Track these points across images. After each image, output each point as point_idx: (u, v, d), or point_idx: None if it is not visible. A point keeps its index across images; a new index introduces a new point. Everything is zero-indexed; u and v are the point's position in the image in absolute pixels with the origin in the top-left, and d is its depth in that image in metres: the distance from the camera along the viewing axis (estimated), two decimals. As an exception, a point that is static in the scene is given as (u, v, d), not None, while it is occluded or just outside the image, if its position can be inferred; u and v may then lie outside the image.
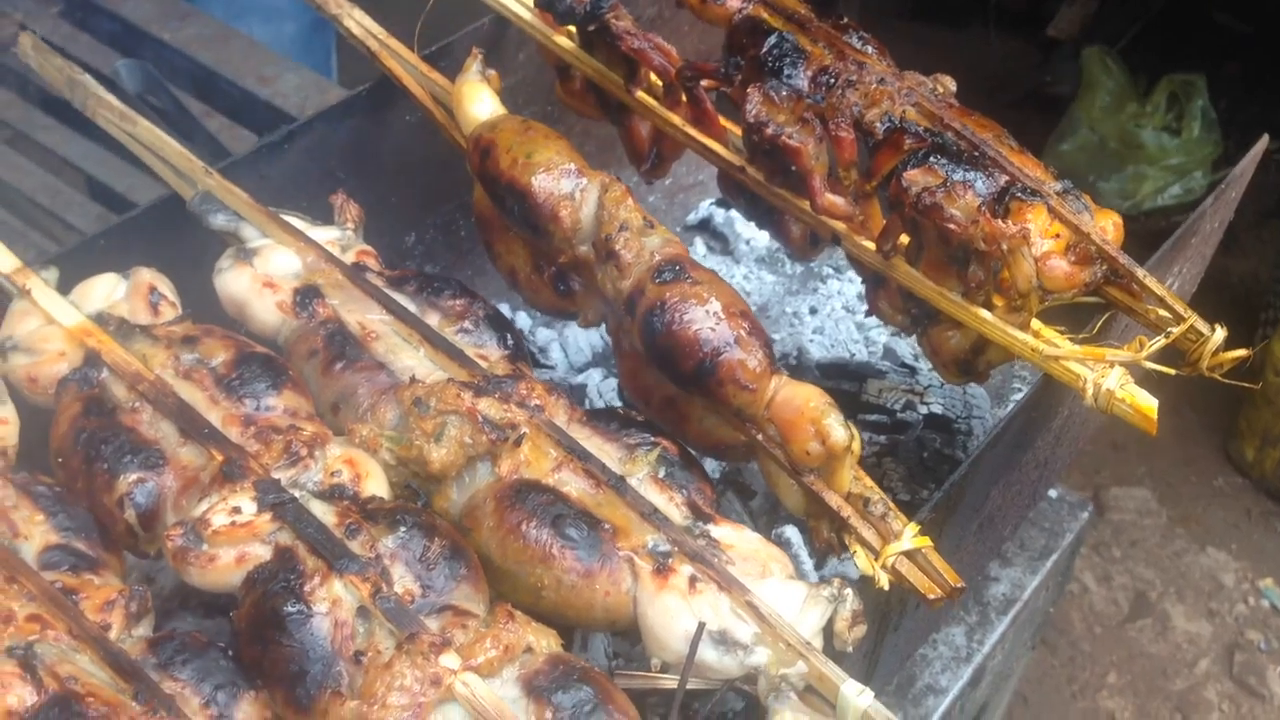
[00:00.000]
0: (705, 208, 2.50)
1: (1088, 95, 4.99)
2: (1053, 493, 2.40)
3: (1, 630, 1.20)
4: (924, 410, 2.06)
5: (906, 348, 2.21)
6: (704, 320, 1.47)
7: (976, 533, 1.78)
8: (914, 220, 1.62)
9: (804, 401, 1.46)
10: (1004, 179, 1.64)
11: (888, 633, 1.66)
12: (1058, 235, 1.64)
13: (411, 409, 1.40)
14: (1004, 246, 1.55)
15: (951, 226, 1.55)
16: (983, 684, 2.34)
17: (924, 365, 2.18)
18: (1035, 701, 3.94)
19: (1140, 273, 1.63)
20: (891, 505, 1.47)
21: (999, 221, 1.56)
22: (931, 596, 1.41)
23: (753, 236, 2.45)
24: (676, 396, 1.58)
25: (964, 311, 1.64)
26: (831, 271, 2.45)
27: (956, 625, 2.27)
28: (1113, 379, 1.54)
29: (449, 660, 1.23)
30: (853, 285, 2.41)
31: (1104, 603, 4.22)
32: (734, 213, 2.46)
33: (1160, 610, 4.16)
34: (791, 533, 1.78)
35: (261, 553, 1.30)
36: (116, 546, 1.37)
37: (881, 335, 2.28)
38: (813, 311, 2.35)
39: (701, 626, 1.28)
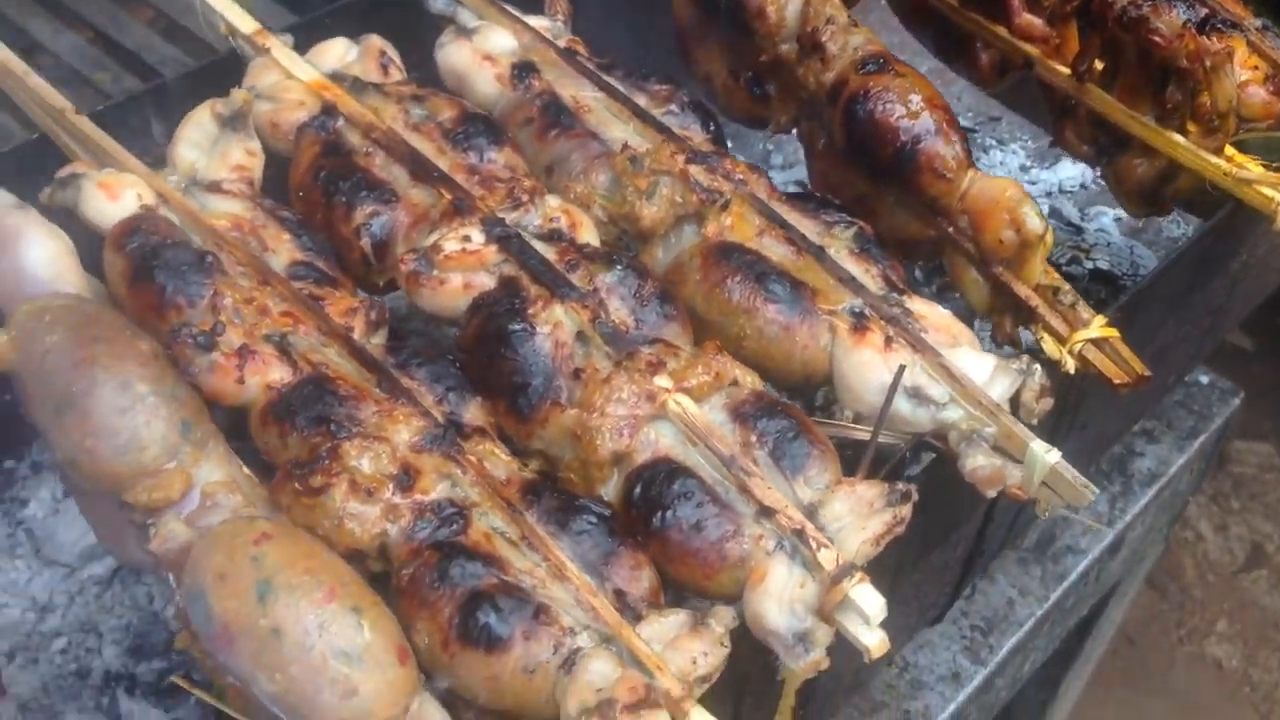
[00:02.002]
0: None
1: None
2: (1203, 378, 2.40)
3: (259, 320, 1.31)
4: (1089, 265, 2.08)
5: (1073, 209, 2.22)
6: (906, 109, 1.51)
7: (1147, 362, 1.80)
8: (1113, 39, 1.65)
9: (1000, 191, 1.50)
10: (1204, 11, 1.65)
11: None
12: (1256, 68, 1.65)
13: (626, 167, 1.48)
14: (1206, 64, 1.56)
15: (1156, 39, 1.57)
16: (1119, 556, 2.36)
17: (1090, 225, 2.20)
18: (1142, 643, 3.92)
19: (1339, 104, 1.64)
20: (1079, 297, 1.51)
21: (1203, 38, 1.57)
22: (1118, 382, 1.45)
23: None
24: (867, 194, 1.63)
25: (1157, 136, 1.66)
26: (994, 143, 2.47)
27: (1100, 492, 2.29)
28: (1306, 202, 1.55)
29: (663, 380, 1.30)
30: (1015, 157, 2.42)
31: (1219, 552, 4.17)
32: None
33: (1276, 563, 4.09)
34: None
35: (486, 281, 1.39)
36: (349, 277, 1.46)
37: (1044, 202, 2.30)
38: (975, 179, 2.37)
39: (902, 369, 1.34)
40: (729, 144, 1.68)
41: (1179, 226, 2.34)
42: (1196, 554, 4.18)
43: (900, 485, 1.26)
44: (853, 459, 1.34)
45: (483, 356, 1.35)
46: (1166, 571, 4.06)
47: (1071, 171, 2.38)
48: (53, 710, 1.67)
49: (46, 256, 1.32)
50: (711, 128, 1.62)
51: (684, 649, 1.16)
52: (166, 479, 1.18)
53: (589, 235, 1.46)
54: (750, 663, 1.30)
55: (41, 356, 1.21)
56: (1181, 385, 2.35)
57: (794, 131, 1.76)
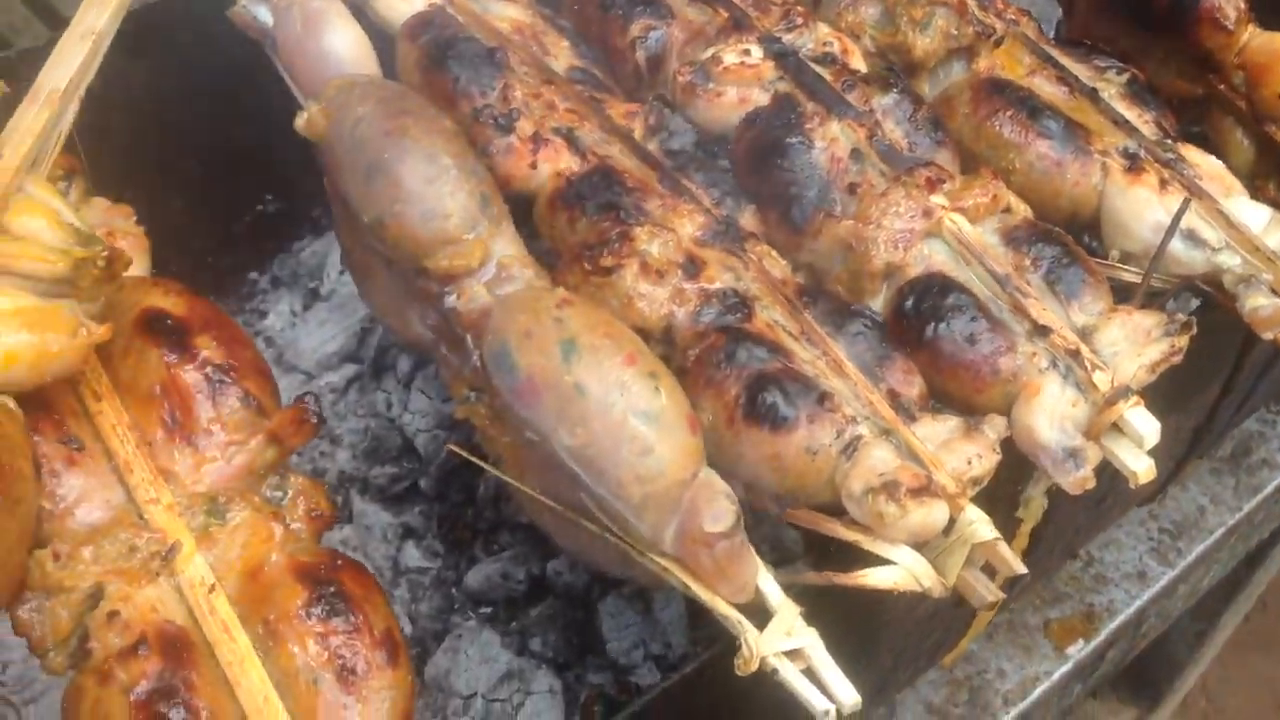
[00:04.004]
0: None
1: None
2: None
3: (547, 114, 1.35)
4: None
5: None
6: (1190, -45, 1.48)
7: None
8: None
9: (1285, 44, 1.46)
10: None
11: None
12: None
13: (903, -6, 1.47)
14: None
15: None
16: (1316, 475, 2.30)
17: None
18: (1276, 608, 3.81)
19: None
20: (1360, 159, 1.47)
21: None
22: (1397, 245, 1.41)
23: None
24: (1129, 51, 1.60)
25: None
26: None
27: (1299, 410, 2.24)
28: None
29: (938, 199, 1.31)
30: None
31: (1366, 520, 4.02)
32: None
33: None
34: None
35: (761, 97, 1.41)
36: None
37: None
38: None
39: (1187, 201, 1.32)
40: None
41: None
42: (1343, 521, 4.04)
43: (1180, 315, 1.25)
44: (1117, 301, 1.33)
45: (756, 169, 1.37)
46: (1308, 538, 3.94)
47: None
48: (288, 507, 1.75)
49: (348, 41, 1.38)
50: (978, -28, 1.60)
51: (958, 450, 1.18)
52: (466, 248, 1.23)
53: (859, 63, 1.46)
54: (1002, 487, 1.31)
55: (353, 125, 1.26)
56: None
57: (1051, -10, 1.73)
